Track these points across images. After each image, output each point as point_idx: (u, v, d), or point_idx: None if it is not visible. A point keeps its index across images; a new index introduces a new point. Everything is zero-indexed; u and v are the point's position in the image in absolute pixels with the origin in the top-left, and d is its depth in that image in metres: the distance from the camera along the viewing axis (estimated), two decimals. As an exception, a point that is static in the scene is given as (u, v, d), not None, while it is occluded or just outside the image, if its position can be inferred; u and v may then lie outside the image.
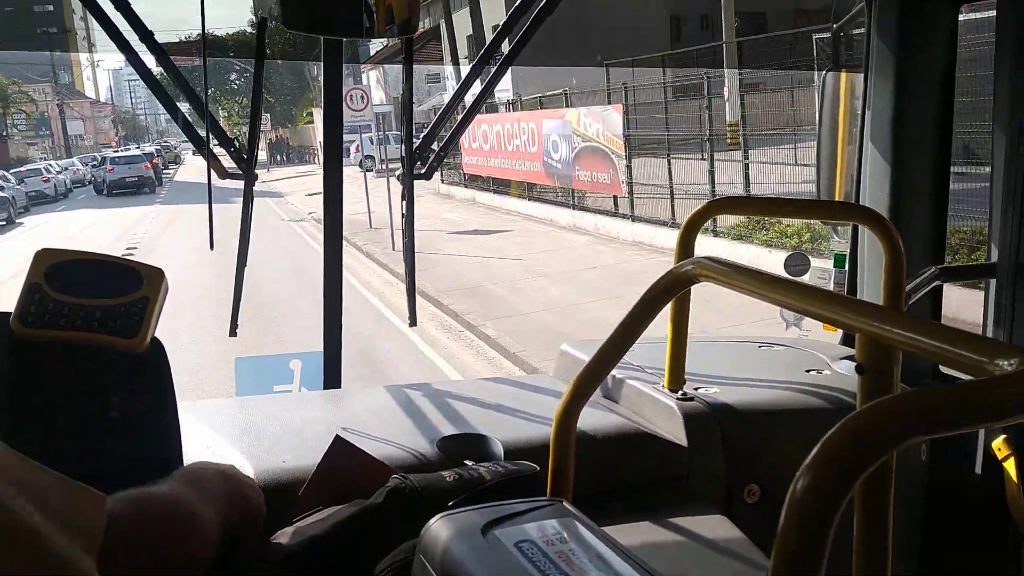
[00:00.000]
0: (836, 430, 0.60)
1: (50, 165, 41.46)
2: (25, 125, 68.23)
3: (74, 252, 1.32)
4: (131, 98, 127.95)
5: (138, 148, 56.19)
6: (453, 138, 2.21)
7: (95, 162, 44.11)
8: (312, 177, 30.65)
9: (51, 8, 74.44)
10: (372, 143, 27.22)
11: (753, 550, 1.33)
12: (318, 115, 35.89)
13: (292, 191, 28.19)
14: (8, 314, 1.27)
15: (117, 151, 55.09)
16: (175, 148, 66.42)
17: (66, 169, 43.58)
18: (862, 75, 1.99)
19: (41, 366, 1.28)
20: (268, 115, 40.04)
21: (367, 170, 28.58)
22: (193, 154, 54.31)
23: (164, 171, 49.76)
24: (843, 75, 2.09)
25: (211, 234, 2.02)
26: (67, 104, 73.69)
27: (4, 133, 61.45)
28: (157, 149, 56.96)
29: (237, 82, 55.57)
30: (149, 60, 1.93)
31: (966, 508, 1.83)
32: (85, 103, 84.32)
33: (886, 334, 0.78)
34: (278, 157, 47.02)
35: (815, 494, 0.58)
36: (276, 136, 50.31)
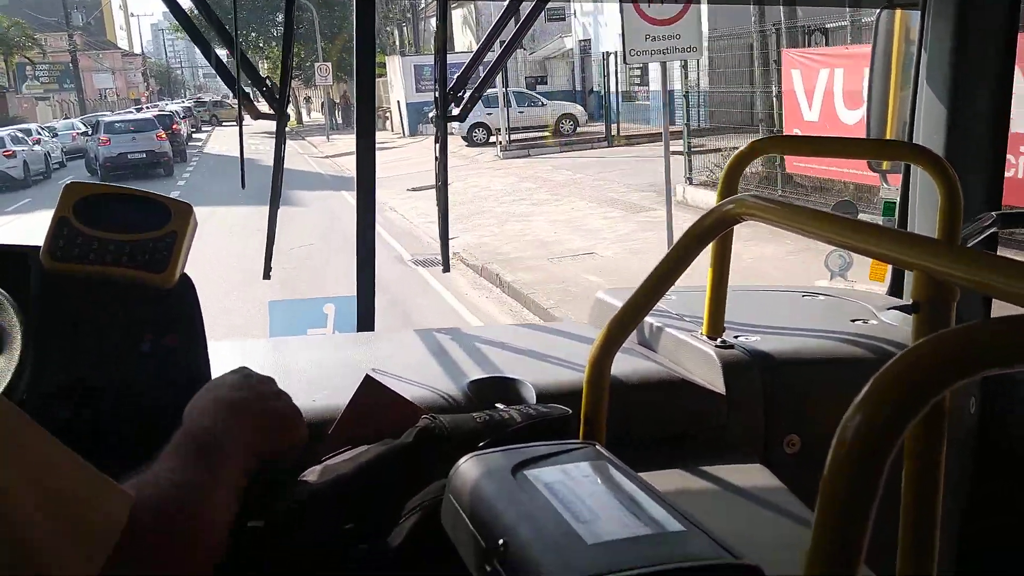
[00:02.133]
0: (889, 367, 0.55)
1: (39, 129, 28.87)
2: (47, 76, 57.61)
3: (102, 186, 1.32)
4: (164, 50, 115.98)
5: (154, 107, 46.40)
6: (488, 79, 2.16)
7: (87, 130, 30.19)
8: (394, 151, 23.96)
9: None
10: (485, 106, 23.13)
11: (792, 500, 1.29)
12: (392, 64, 32.18)
13: (379, 176, 19.88)
14: (38, 248, 1.26)
15: (140, 108, 46.74)
16: (211, 106, 53.49)
17: (56, 135, 30.32)
18: (918, 13, 1.89)
19: (71, 300, 1.27)
20: (328, 64, 31.49)
21: (477, 143, 23.81)
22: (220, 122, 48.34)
23: (194, 135, 39.17)
24: (897, 13, 1.99)
25: (242, 173, 2.00)
26: (93, 55, 65.72)
27: (5, 85, 50.14)
28: (187, 108, 45.41)
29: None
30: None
31: (1017, 466, 1.77)
32: (115, 54, 74.30)
33: (943, 269, 0.73)
34: (340, 120, 35.28)
35: (866, 435, 0.54)
36: (341, 95, 36.70)
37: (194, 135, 38.92)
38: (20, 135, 25.01)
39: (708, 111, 18.58)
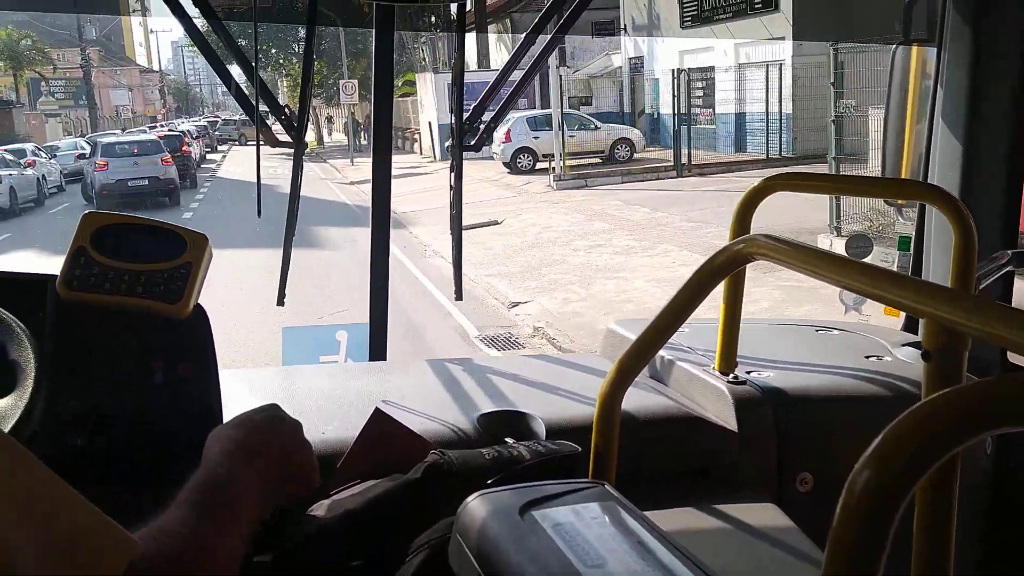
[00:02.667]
0: (900, 421, 0.55)
1: (35, 149, 25.44)
2: (63, 92, 53.93)
3: (120, 216, 1.33)
4: (183, 67, 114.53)
5: (167, 125, 41.49)
6: (504, 109, 2.17)
7: (85, 151, 25.76)
8: (427, 178, 20.89)
9: None
10: (531, 128, 21.94)
11: (804, 540, 1.28)
12: (423, 82, 29.10)
13: (414, 210, 15.30)
14: (54, 277, 1.27)
15: (153, 126, 42.02)
16: (229, 124, 49.42)
17: (55, 156, 26.77)
18: (934, 50, 1.89)
19: (85, 329, 1.29)
20: (354, 82, 29.26)
21: (522, 170, 21.47)
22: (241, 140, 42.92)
23: (208, 155, 35.78)
24: (914, 49, 1.99)
25: (259, 201, 2.01)
26: (109, 71, 62.61)
27: (13, 100, 46.47)
28: (202, 127, 42.63)
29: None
30: (200, 24, 1.90)
31: None
32: (133, 70, 71.67)
33: (955, 318, 0.73)
34: (364, 142, 31.87)
35: (874, 490, 0.54)
36: (365, 115, 33.87)
37: (208, 155, 35.85)
38: (10, 157, 21.65)
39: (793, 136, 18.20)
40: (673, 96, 19.99)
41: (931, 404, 0.56)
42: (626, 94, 28.43)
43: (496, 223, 14.21)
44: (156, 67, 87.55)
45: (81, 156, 26.07)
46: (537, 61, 2.11)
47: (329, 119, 46.60)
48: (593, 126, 22.81)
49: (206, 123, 49.03)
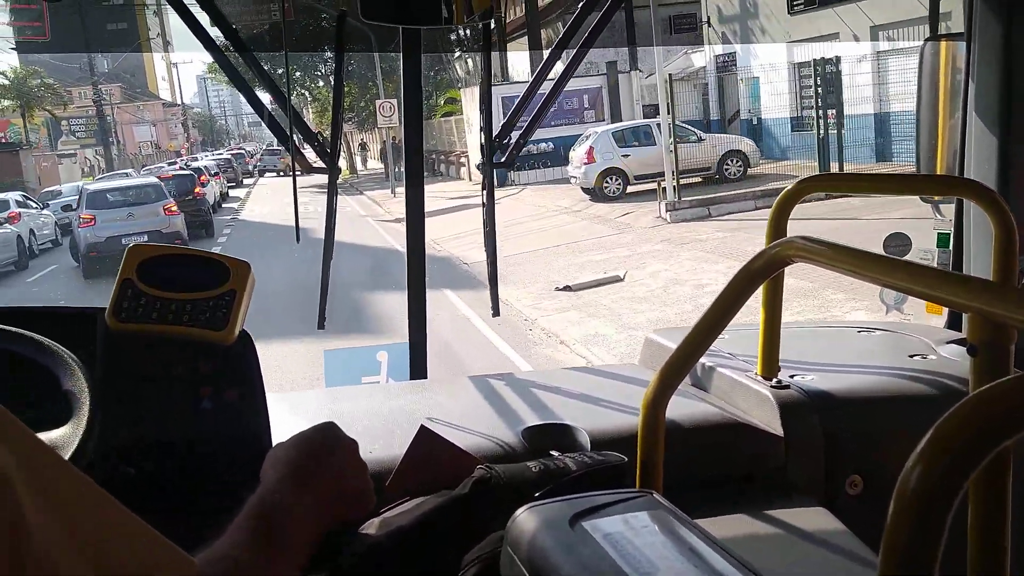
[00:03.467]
0: (949, 416, 0.55)
1: (20, 198, 20.97)
2: (84, 131, 50.75)
3: (164, 247, 1.36)
4: (207, 99, 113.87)
5: (183, 162, 36.94)
6: (533, 125, 2.18)
7: (69, 204, 21.35)
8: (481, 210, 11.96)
9: (120, 1, 59.61)
10: (617, 145, 18.50)
11: (857, 543, 1.27)
12: (469, 98, 24.59)
13: (471, 257, 12.24)
14: (103, 309, 1.31)
15: (173, 162, 37.95)
16: (274, 154, 45.25)
17: (47, 206, 22.16)
18: (964, 44, 1.88)
19: (134, 359, 1.32)
20: (392, 102, 25.23)
21: (611, 196, 17.84)
22: (269, 170, 41.92)
23: (231, 190, 32.72)
24: (943, 44, 1.98)
25: (296, 226, 2.04)
26: (131, 107, 59.69)
27: (20, 142, 42.26)
28: (225, 161, 39.07)
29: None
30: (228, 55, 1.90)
31: None
32: (156, 105, 68.44)
33: (1000, 311, 0.72)
34: (399, 169, 26.34)
35: (927, 486, 0.54)
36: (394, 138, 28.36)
37: (231, 191, 32.48)
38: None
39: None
40: (816, 92, 16.79)
41: (979, 398, 0.56)
42: (712, 98, 24.26)
43: (618, 279, 10.54)
44: (179, 100, 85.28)
45: (69, 207, 20.49)
46: (565, 73, 2.12)
47: (363, 146, 42.60)
48: (695, 137, 18.38)
49: (230, 156, 44.91)
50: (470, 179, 25.49)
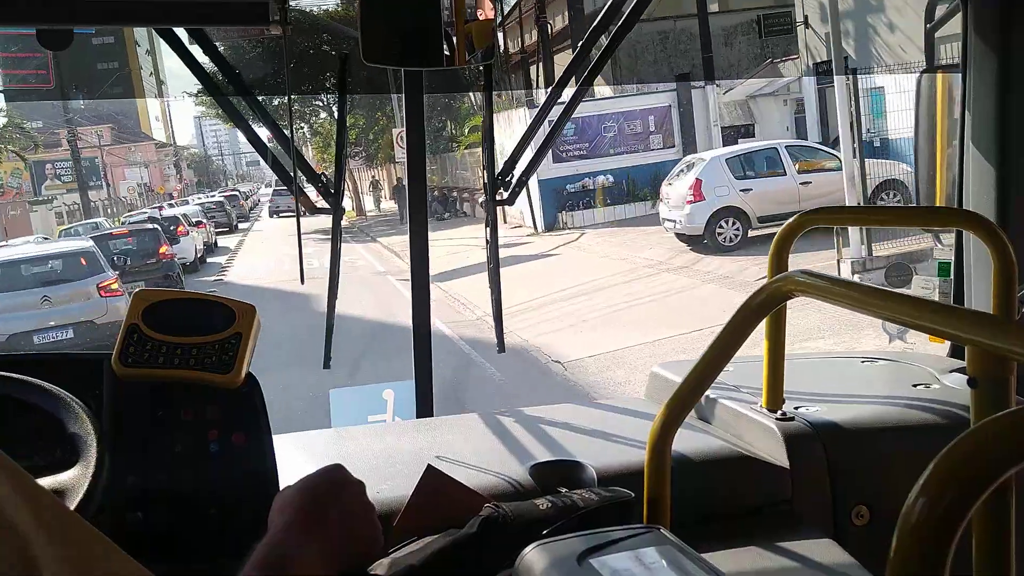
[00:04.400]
0: (951, 449, 0.56)
1: None
2: (70, 175, 43.59)
3: (169, 292, 1.38)
4: (202, 139, 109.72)
5: (169, 206, 31.17)
6: (535, 162, 2.20)
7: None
8: (540, 264, 14.66)
9: (112, 41, 56.22)
10: (735, 174, 13.65)
11: (864, 574, 1.26)
12: (502, 124, 18.49)
13: (586, 356, 8.39)
14: (109, 355, 1.32)
15: (159, 206, 31.11)
16: (248, 197, 42.57)
17: None
18: (959, 75, 1.90)
19: (141, 404, 1.32)
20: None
21: (726, 245, 12.99)
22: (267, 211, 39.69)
23: (223, 236, 28.98)
24: (939, 76, 2.01)
25: (301, 266, 2.06)
26: (118, 148, 54.56)
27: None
28: (216, 204, 34.92)
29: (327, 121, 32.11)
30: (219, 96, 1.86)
31: None
32: (148, 146, 63.31)
33: (999, 345, 0.73)
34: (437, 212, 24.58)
35: (930, 518, 0.55)
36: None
37: (221, 241, 27.39)
38: None
39: None
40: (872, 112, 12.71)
41: (981, 431, 0.56)
42: (810, 115, 19.51)
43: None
44: (179, 141, 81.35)
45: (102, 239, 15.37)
46: (567, 108, 2.14)
47: (374, 184, 36.69)
48: (835, 163, 13.29)
49: (223, 198, 39.16)
50: (504, 222, 21.00)
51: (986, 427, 0.57)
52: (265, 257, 21.08)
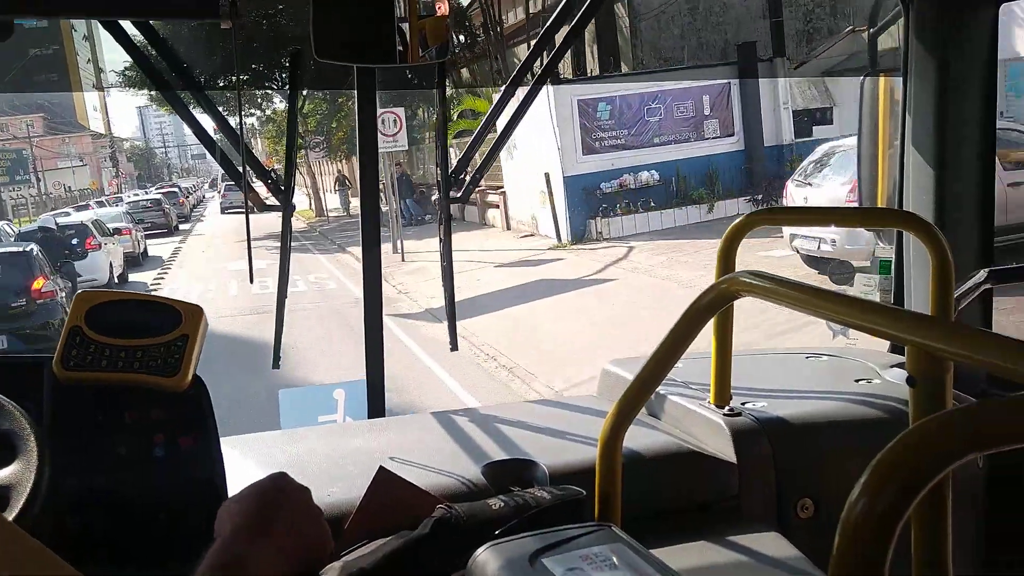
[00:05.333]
0: (890, 449, 0.58)
1: None
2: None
3: (113, 293, 1.35)
4: (144, 131, 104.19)
5: (78, 211, 25.94)
6: (488, 161, 2.20)
7: None
8: (593, 296, 10.61)
9: (45, 24, 50.28)
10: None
11: (809, 567, 1.30)
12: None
13: None
14: (50, 358, 1.29)
15: (84, 206, 29.29)
16: (191, 194, 38.36)
17: None
18: (901, 79, 1.95)
19: (84, 407, 1.30)
20: (399, 115, 15.68)
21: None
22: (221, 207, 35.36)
23: (160, 238, 25.54)
24: (881, 79, 2.06)
25: (250, 266, 2.03)
26: (50, 139, 50.02)
27: None
28: (152, 201, 30.71)
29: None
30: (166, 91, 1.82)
31: None
32: (83, 138, 59.28)
33: (936, 345, 0.76)
34: (429, 213, 20.25)
35: (870, 518, 0.57)
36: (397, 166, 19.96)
37: (153, 249, 22.56)
38: None
39: None
40: None
41: (919, 431, 0.59)
42: None
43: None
44: (120, 134, 75.69)
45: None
46: (522, 106, 2.14)
47: (341, 181, 28.14)
48: None
49: (160, 195, 34.11)
50: (507, 226, 16.68)
51: (924, 427, 0.59)
52: (204, 275, 16.74)
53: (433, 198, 2.11)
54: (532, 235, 16.45)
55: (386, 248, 14.78)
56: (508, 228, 17.59)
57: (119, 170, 63.61)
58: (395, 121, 15.04)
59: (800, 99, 16.48)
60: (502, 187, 17.93)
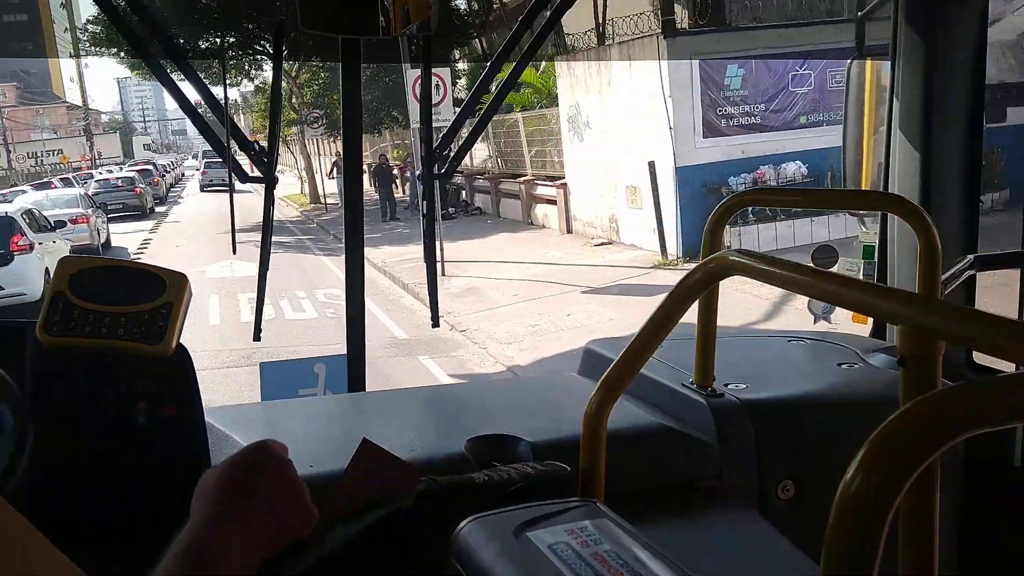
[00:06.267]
0: (886, 427, 0.58)
1: None
2: None
3: (97, 259, 1.33)
4: (122, 103, 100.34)
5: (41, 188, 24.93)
6: (472, 137, 2.18)
7: None
8: None
9: None
10: None
11: (789, 547, 1.31)
12: (569, 78, 13.01)
13: None
14: (34, 323, 1.27)
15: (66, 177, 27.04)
16: (169, 171, 36.10)
17: None
18: (888, 63, 1.95)
19: (67, 374, 1.28)
20: (444, 76, 11.25)
21: None
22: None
23: (132, 222, 23.40)
24: (868, 63, 2.06)
25: (233, 238, 2.01)
26: (23, 110, 48.11)
27: None
28: (122, 181, 27.26)
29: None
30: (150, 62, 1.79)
31: (1006, 499, 1.79)
32: (59, 109, 57.31)
33: (930, 324, 0.76)
34: (452, 206, 17.99)
35: (866, 496, 0.57)
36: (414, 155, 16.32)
37: (121, 237, 20.29)
38: None
39: None
40: None
41: (915, 409, 0.58)
42: None
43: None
44: (98, 107, 72.41)
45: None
46: (507, 83, 2.13)
47: (336, 166, 22.88)
48: None
49: (135, 173, 30.34)
50: (567, 229, 13.52)
51: (919, 406, 0.59)
52: (185, 261, 13.56)
53: (417, 173, 2.08)
54: (609, 243, 12.71)
55: (405, 251, 13.14)
56: (569, 231, 13.75)
57: (92, 144, 58.79)
58: (437, 86, 10.94)
59: (993, 69, 11.33)
60: (562, 178, 13.86)
